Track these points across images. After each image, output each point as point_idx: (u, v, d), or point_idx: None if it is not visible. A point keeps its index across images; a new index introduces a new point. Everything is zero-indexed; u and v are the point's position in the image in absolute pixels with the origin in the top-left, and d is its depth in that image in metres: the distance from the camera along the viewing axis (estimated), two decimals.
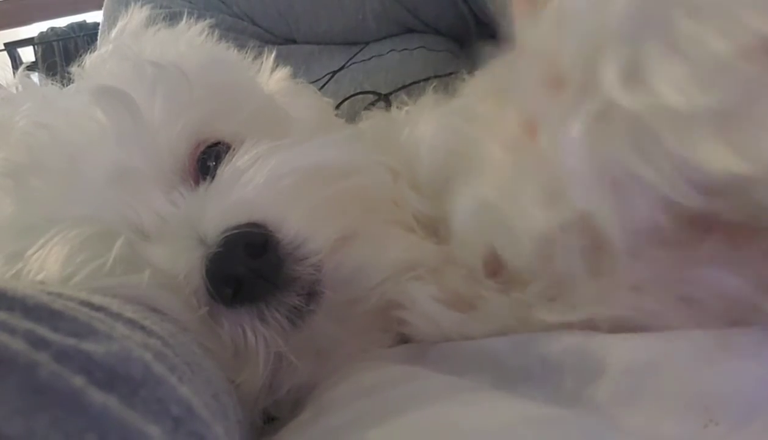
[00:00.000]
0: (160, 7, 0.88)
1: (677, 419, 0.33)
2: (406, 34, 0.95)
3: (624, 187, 0.32)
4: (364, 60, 0.93)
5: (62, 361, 0.26)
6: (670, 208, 0.32)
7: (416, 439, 0.34)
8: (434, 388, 0.38)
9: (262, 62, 0.63)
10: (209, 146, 0.50)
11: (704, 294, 0.38)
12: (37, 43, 3.76)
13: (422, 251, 0.47)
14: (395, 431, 0.34)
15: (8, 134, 0.48)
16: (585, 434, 0.32)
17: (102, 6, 1.02)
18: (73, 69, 0.54)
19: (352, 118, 0.73)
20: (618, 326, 0.39)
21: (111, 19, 0.96)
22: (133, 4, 0.61)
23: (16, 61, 3.49)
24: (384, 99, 0.87)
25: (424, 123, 0.52)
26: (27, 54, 3.77)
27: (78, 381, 0.25)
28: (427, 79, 0.86)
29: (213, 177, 0.47)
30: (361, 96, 0.89)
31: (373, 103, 0.87)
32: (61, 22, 3.80)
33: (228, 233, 0.42)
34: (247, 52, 0.62)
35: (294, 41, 0.99)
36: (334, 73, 0.93)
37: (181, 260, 0.43)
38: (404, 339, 0.48)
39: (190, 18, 0.60)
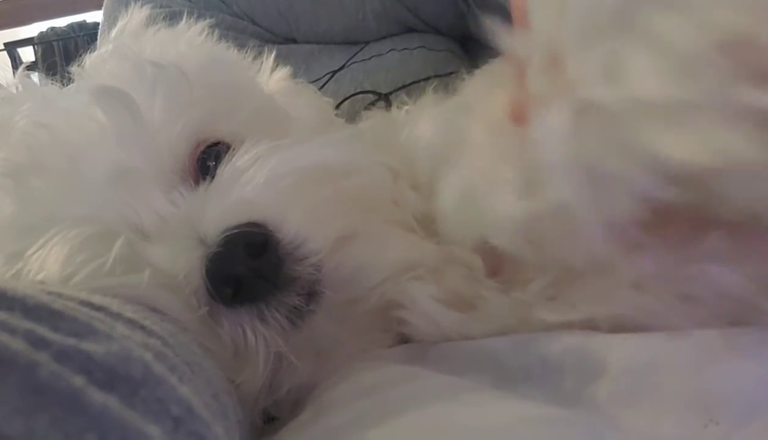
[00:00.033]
0: (160, 7, 0.88)
1: (677, 419, 0.33)
2: (407, 33, 0.95)
3: (600, 179, 0.32)
4: (364, 59, 0.93)
5: (62, 361, 0.26)
6: (646, 201, 0.32)
7: (416, 439, 0.34)
8: (434, 388, 0.38)
9: (262, 62, 0.62)
10: (209, 146, 0.50)
11: (705, 292, 0.38)
12: (37, 43, 3.76)
13: (422, 251, 0.47)
14: (395, 431, 0.34)
15: (8, 133, 0.48)
16: (585, 434, 0.32)
17: (102, 6, 1.02)
18: (73, 69, 0.54)
19: (352, 117, 0.73)
20: (618, 326, 0.39)
21: (111, 19, 0.96)
22: (133, 3, 0.61)
23: (16, 61, 3.49)
24: (384, 99, 0.87)
25: (423, 123, 0.52)
26: (27, 54, 3.77)
27: (78, 381, 0.25)
28: (427, 79, 0.86)
29: (213, 177, 0.47)
30: (361, 96, 0.89)
31: (373, 103, 0.87)
32: (61, 22, 3.80)
33: (228, 233, 0.42)
34: (247, 52, 0.62)
35: (294, 41, 0.99)
36: (335, 72, 0.93)
37: (181, 260, 0.43)
38: (404, 339, 0.48)
39: (190, 18, 0.60)
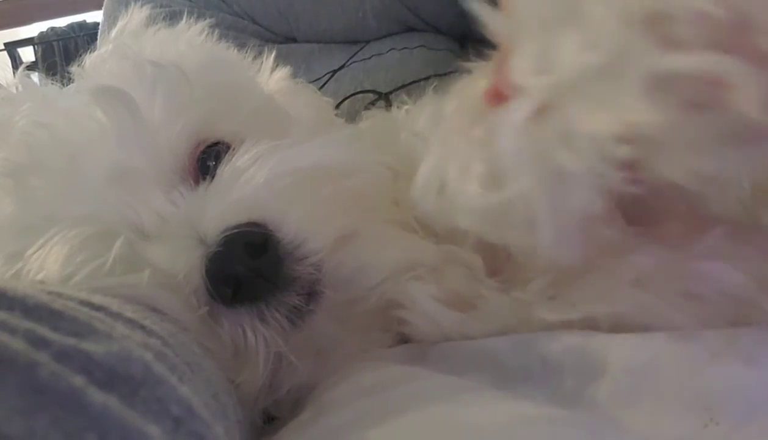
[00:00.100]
0: (160, 6, 0.88)
1: (677, 419, 0.33)
2: (407, 33, 0.95)
3: (554, 172, 0.32)
4: (364, 59, 0.93)
5: (62, 361, 0.26)
6: (606, 193, 0.32)
7: (416, 439, 0.34)
8: (434, 388, 0.38)
9: (262, 62, 0.62)
10: (209, 146, 0.50)
11: (707, 290, 0.38)
12: (37, 43, 3.76)
13: (422, 250, 0.47)
14: (395, 431, 0.34)
15: (8, 133, 0.48)
16: (585, 434, 0.32)
17: (102, 6, 1.02)
18: (73, 69, 0.54)
19: (352, 117, 0.73)
20: (619, 325, 0.39)
21: (111, 19, 0.96)
22: (133, 3, 0.61)
23: (16, 61, 3.48)
24: (384, 98, 0.87)
25: (422, 122, 0.52)
26: (27, 54, 3.77)
27: (78, 380, 0.25)
28: (427, 79, 0.86)
29: (213, 177, 0.47)
30: (361, 95, 0.89)
31: (373, 103, 0.87)
32: (61, 22, 3.80)
33: (228, 233, 0.42)
34: (247, 52, 0.62)
35: (294, 40, 0.99)
36: (335, 72, 0.93)
37: (180, 260, 0.43)
38: (404, 339, 0.47)
39: (190, 17, 0.60)
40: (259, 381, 0.44)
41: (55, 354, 0.26)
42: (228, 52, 0.61)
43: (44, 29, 3.80)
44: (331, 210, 0.46)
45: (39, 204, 0.46)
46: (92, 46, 0.57)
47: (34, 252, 0.44)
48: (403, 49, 0.92)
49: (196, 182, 0.48)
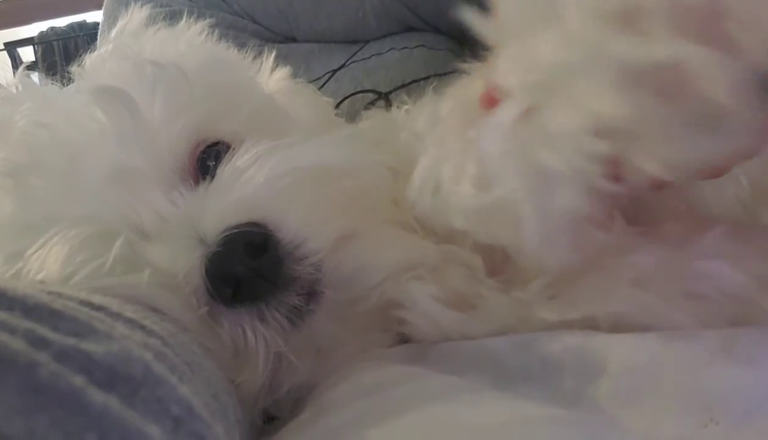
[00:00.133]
0: (161, 6, 0.88)
1: (677, 418, 0.33)
2: (406, 32, 0.95)
3: (539, 174, 0.32)
4: (364, 58, 0.93)
5: (62, 361, 0.26)
6: (591, 192, 0.32)
7: (416, 439, 0.34)
8: (434, 388, 0.38)
9: (262, 62, 0.63)
10: (209, 146, 0.50)
11: (707, 289, 0.38)
12: (37, 43, 3.76)
13: (422, 250, 0.47)
14: (395, 431, 0.34)
15: (8, 133, 0.48)
16: (585, 434, 0.32)
17: (102, 6, 1.02)
18: (73, 69, 0.54)
19: (352, 117, 0.73)
20: (619, 324, 0.39)
21: (111, 19, 0.96)
22: (133, 3, 0.61)
23: (16, 61, 3.48)
24: (384, 98, 0.87)
25: (422, 122, 0.52)
26: (27, 54, 3.76)
27: (78, 380, 0.25)
28: (427, 78, 0.86)
29: (213, 177, 0.47)
30: (360, 95, 0.89)
31: (372, 102, 0.87)
32: (61, 22, 3.80)
33: (228, 233, 0.42)
34: (247, 52, 0.62)
35: (294, 39, 0.99)
36: (334, 71, 0.93)
37: (180, 260, 0.43)
38: (404, 339, 0.47)
39: (190, 17, 0.60)
40: (259, 381, 0.44)
41: (55, 354, 0.26)
42: (228, 52, 0.61)
43: (44, 29, 3.79)
44: (331, 210, 0.46)
45: (39, 204, 0.46)
46: (92, 46, 0.57)
47: (34, 252, 0.44)
48: (402, 48, 0.92)
49: (196, 182, 0.48)
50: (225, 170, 0.47)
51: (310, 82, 0.75)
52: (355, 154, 0.50)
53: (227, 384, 0.42)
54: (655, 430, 0.33)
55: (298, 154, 0.47)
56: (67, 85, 0.54)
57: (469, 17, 0.34)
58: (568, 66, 0.30)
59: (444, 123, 0.39)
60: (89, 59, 0.55)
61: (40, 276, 0.43)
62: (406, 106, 0.59)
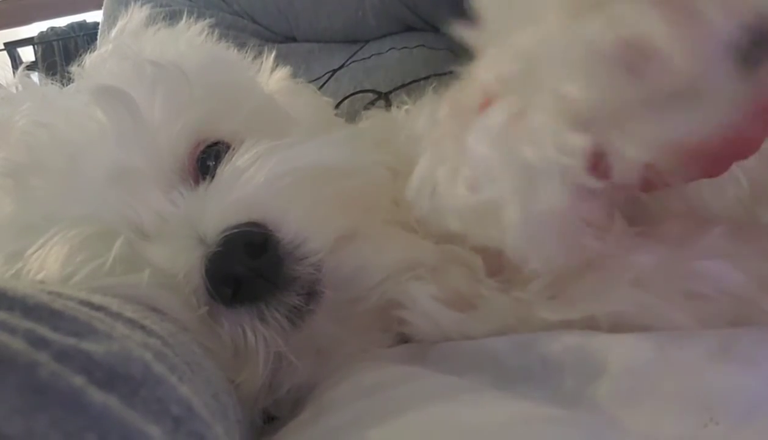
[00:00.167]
0: (160, 6, 0.88)
1: (677, 418, 0.33)
2: (406, 32, 0.95)
3: (527, 175, 0.32)
4: (364, 58, 0.93)
5: (62, 361, 0.26)
6: (582, 190, 0.32)
7: (416, 439, 0.34)
8: (434, 388, 0.38)
9: (262, 62, 0.63)
10: (209, 146, 0.50)
11: (707, 289, 0.38)
12: (37, 43, 3.76)
13: (422, 250, 0.47)
14: (395, 431, 0.34)
15: (8, 133, 0.48)
16: (585, 434, 0.32)
17: (102, 6, 1.02)
18: (73, 69, 0.54)
19: (352, 117, 0.73)
20: (619, 324, 0.39)
21: (111, 19, 0.96)
22: (133, 3, 0.61)
23: (16, 61, 3.48)
24: (384, 98, 0.87)
25: (422, 122, 0.52)
26: (27, 54, 3.77)
27: (78, 380, 0.25)
28: (427, 78, 0.86)
29: (213, 177, 0.47)
30: (360, 95, 0.89)
31: (372, 102, 0.87)
32: (61, 22, 3.80)
33: (227, 233, 0.42)
34: (247, 52, 0.62)
35: (294, 39, 0.99)
36: (334, 71, 0.93)
37: (180, 260, 0.43)
38: (404, 339, 0.47)
39: (190, 17, 0.60)
40: (259, 380, 0.44)
41: (55, 354, 0.26)
42: (228, 52, 0.61)
43: (44, 29, 3.79)
44: (331, 210, 0.46)
45: (39, 204, 0.46)
46: (92, 46, 0.57)
47: (34, 252, 0.44)
48: (402, 48, 0.92)
49: (196, 182, 0.48)
50: (225, 170, 0.47)
51: (310, 82, 0.75)
52: (355, 154, 0.50)
53: (227, 384, 0.42)
54: (655, 430, 0.33)
55: (298, 154, 0.47)
56: (67, 85, 0.54)
57: (458, 28, 0.34)
58: (539, 56, 0.30)
59: (440, 126, 0.39)
60: (89, 59, 0.55)
61: (40, 276, 0.43)
62: (406, 107, 0.59)
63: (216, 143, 0.50)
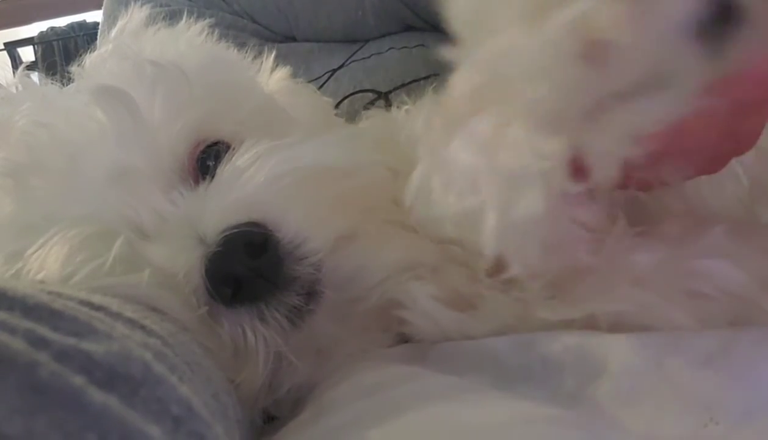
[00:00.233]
0: (160, 6, 0.88)
1: (677, 418, 0.33)
2: (406, 32, 0.95)
3: (505, 182, 0.32)
4: (363, 58, 0.93)
5: (62, 361, 0.26)
6: (556, 195, 0.32)
7: (416, 439, 0.34)
8: (434, 388, 0.38)
9: (262, 62, 0.63)
10: (209, 146, 0.50)
11: (707, 288, 0.38)
12: (37, 43, 3.76)
13: (422, 250, 0.47)
14: (395, 431, 0.34)
15: (8, 133, 0.48)
16: (585, 434, 0.32)
17: (102, 6, 1.02)
18: (73, 69, 0.54)
19: (351, 116, 0.73)
20: (619, 323, 0.39)
21: (111, 19, 0.96)
22: (133, 3, 0.61)
23: (16, 61, 3.48)
24: (384, 98, 0.87)
25: (421, 123, 0.52)
26: (27, 54, 3.76)
27: (78, 380, 0.25)
28: (427, 78, 0.86)
29: (213, 176, 0.47)
30: (360, 95, 0.89)
31: (372, 102, 0.87)
32: (61, 22, 3.80)
33: (227, 233, 0.42)
34: (247, 51, 0.62)
35: (293, 39, 0.99)
36: (334, 71, 0.93)
37: (180, 260, 0.43)
38: (404, 339, 0.47)
39: (190, 17, 0.60)
40: (259, 380, 0.44)
41: (55, 353, 0.26)
42: (228, 52, 0.61)
43: (44, 29, 3.79)
44: (331, 210, 0.46)
45: (39, 204, 0.46)
46: (92, 46, 0.57)
47: (34, 252, 0.44)
48: (402, 48, 0.92)
49: (196, 182, 0.48)
50: (225, 170, 0.47)
51: (309, 82, 0.75)
52: (355, 154, 0.50)
53: (227, 384, 0.42)
54: (655, 430, 0.33)
55: (298, 154, 0.47)
56: (67, 85, 0.54)
57: (443, 50, 0.34)
58: (504, 65, 0.30)
59: (433, 133, 0.39)
60: (89, 59, 0.55)
61: (40, 276, 0.43)
62: (406, 107, 0.59)
63: (216, 143, 0.50)
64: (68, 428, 0.24)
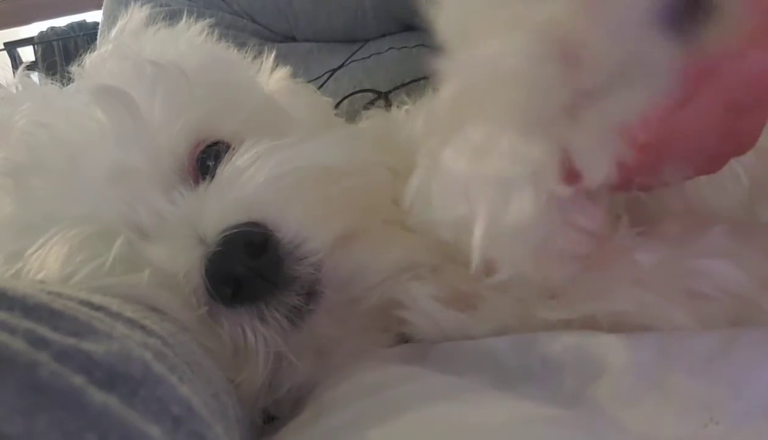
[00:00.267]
0: (160, 6, 0.88)
1: (677, 418, 0.33)
2: (405, 31, 0.95)
3: (495, 188, 0.32)
4: (363, 58, 0.93)
5: (62, 361, 0.26)
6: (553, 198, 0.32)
7: (416, 439, 0.34)
8: (434, 388, 0.38)
9: (261, 62, 0.63)
10: (209, 146, 0.50)
11: (708, 288, 0.38)
12: (37, 43, 3.76)
13: (422, 250, 0.47)
14: (395, 431, 0.34)
15: (8, 133, 0.48)
16: (585, 434, 0.32)
17: (102, 6, 1.02)
18: (73, 69, 0.54)
19: (351, 116, 0.73)
20: (619, 323, 0.39)
21: (111, 19, 0.95)
22: (132, 3, 0.61)
23: (16, 61, 3.48)
24: (383, 97, 0.87)
25: (420, 123, 0.52)
26: (27, 54, 3.77)
27: (78, 380, 0.25)
28: (426, 78, 0.86)
29: (213, 176, 0.47)
30: (360, 94, 0.89)
31: (372, 102, 0.87)
32: (61, 22, 3.80)
33: (227, 233, 0.42)
34: (247, 51, 0.62)
35: (293, 39, 0.99)
36: (334, 71, 0.93)
37: (180, 260, 0.43)
38: (404, 339, 0.47)
39: (190, 17, 0.60)
40: (259, 380, 0.44)
41: (55, 353, 0.26)
42: (228, 52, 0.61)
43: (44, 29, 3.79)
44: (330, 210, 0.46)
45: (39, 204, 0.46)
46: (92, 46, 0.57)
47: (34, 252, 0.44)
48: (402, 48, 0.92)
49: (196, 182, 0.48)
50: (225, 170, 0.47)
51: (309, 81, 0.75)
52: (355, 154, 0.50)
53: (227, 384, 0.42)
54: (655, 430, 0.33)
55: (298, 154, 0.47)
56: (67, 85, 0.54)
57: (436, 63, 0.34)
58: (482, 73, 0.30)
59: (432, 137, 0.39)
60: (89, 59, 0.55)
61: (40, 276, 0.43)
62: (406, 106, 0.59)
63: (216, 143, 0.50)
64: (68, 428, 0.24)
